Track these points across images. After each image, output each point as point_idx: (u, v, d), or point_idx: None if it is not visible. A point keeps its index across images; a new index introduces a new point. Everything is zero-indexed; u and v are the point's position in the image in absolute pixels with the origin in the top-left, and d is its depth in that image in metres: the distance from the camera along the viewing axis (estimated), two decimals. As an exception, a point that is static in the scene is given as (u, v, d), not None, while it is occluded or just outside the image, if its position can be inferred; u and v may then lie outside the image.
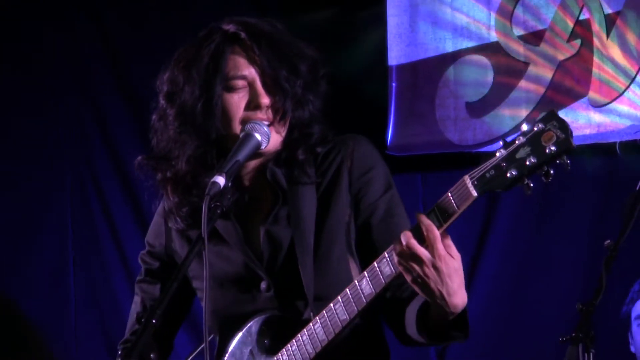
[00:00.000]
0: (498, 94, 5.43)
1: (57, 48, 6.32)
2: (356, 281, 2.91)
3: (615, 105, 5.16)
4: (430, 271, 2.73)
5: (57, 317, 6.27)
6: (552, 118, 2.61)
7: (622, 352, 4.80)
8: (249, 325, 3.11)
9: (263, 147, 3.03)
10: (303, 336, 2.99)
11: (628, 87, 5.12)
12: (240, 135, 3.02)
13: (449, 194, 2.71)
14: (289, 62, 3.06)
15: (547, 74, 5.32)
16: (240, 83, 3.06)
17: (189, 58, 3.09)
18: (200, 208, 2.88)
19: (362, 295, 2.89)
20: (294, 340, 3.01)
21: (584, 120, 5.21)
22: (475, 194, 2.67)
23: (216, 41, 3.06)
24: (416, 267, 2.74)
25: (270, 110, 3.06)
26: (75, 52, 6.33)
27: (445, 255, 2.73)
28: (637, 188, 3.76)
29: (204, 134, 3.07)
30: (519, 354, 5.43)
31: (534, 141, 2.61)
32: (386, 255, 2.84)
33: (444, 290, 2.75)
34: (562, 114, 2.75)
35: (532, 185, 2.64)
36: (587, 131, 5.19)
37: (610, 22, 5.17)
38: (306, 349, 2.99)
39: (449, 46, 5.55)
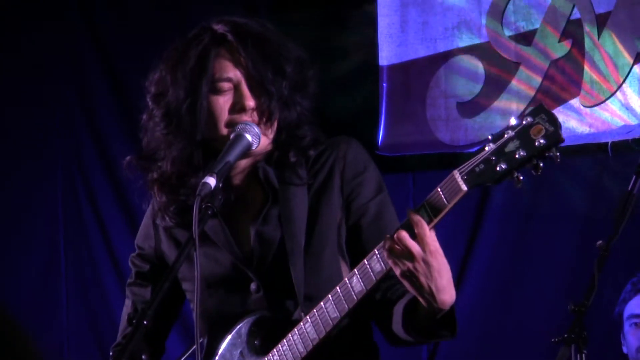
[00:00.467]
0: (489, 94, 5.42)
1: (47, 42, 6.31)
2: (347, 279, 2.90)
3: (606, 105, 5.15)
4: (420, 266, 2.73)
5: (47, 317, 6.26)
6: (540, 112, 2.61)
7: (614, 353, 4.79)
8: (238, 326, 3.09)
9: (254, 147, 3.02)
10: (294, 336, 2.98)
11: (619, 87, 5.12)
12: (231, 136, 3.01)
13: (439, 189, 2.71)
14: (275, 63, 3.05)
15: (539, 74, 5.31)
16: (226, 85, 3.05)
17: (176, 58, 3.08)
18: (188, 207, 2.87)
19: (352, 293, 2.88)
20: (284, 340, 3.00)
21: (575, 121, 5.21)
22: (465, 188, 2.66)
23: (204, 42, 3.06)
24: (407, 262, 2.74)
25: (255, 113, 3.05)
26: (65, 46, 6.33)
27: (435, 251, 2.73)
28: (629, 188, 3.76)
29: (190, 135, 3.06)
30: (509, 354, 5.42)
31: (523, 135, 2.61)
32: (376, 252, 2.84)
33: (432, 286, 2.75)
34: (553, 113, 2.75)
35: (522, 178, 2.64)
36: (579, 131, 5.19)
37: (601, 22, 5.16)
38: (297, 349, 2.98)
39: (440, 46, 5.54)
